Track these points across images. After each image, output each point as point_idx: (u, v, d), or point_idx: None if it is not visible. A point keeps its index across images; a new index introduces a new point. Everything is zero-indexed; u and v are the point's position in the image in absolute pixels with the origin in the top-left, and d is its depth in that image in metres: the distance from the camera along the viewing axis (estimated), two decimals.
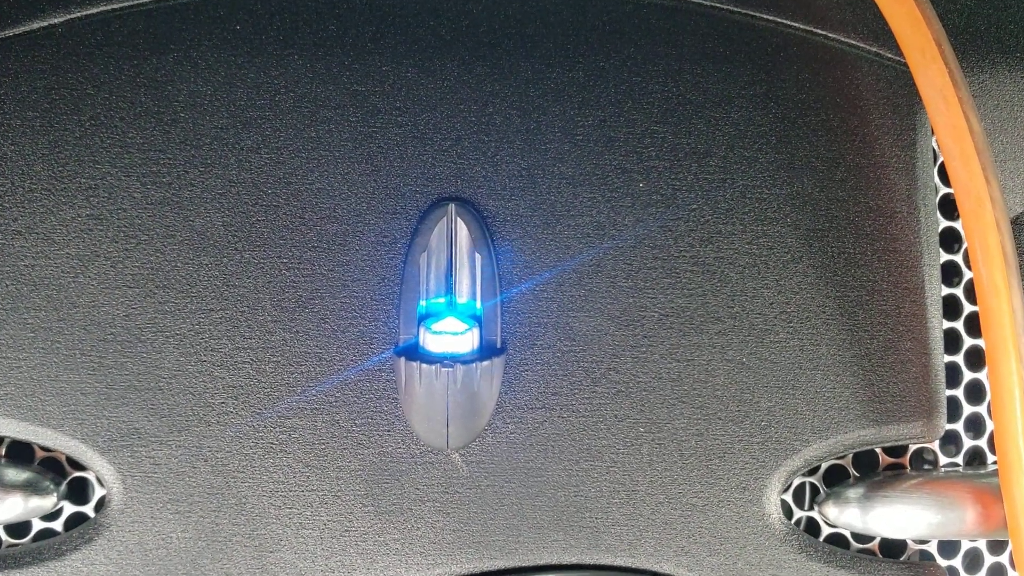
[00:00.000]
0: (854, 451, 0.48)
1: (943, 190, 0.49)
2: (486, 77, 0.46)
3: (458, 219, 0.46)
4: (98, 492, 0.47)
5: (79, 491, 0.47)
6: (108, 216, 0.45)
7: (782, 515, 0.47)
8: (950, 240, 0.50)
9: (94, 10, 0.46)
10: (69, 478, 0.47)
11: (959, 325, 0.50)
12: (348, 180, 0.46)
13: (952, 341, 0.50)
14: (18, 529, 0.47)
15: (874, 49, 0.48)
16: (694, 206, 0.47)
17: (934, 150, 0.49)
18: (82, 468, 0.47)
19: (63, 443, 0.45)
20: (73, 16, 0.46)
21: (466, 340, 0.45)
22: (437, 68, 0.46)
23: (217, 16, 0.46)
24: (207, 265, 0.45)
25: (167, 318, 0.45)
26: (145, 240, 0.45)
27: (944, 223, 0.50)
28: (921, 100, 0.47)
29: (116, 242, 0.45)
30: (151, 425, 0.45)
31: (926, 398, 0.47)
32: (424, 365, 0.44)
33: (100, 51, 0.46)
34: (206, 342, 0.45)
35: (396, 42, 0.47)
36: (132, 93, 0.46)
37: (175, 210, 0.45)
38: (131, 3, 0.46)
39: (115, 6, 0.46)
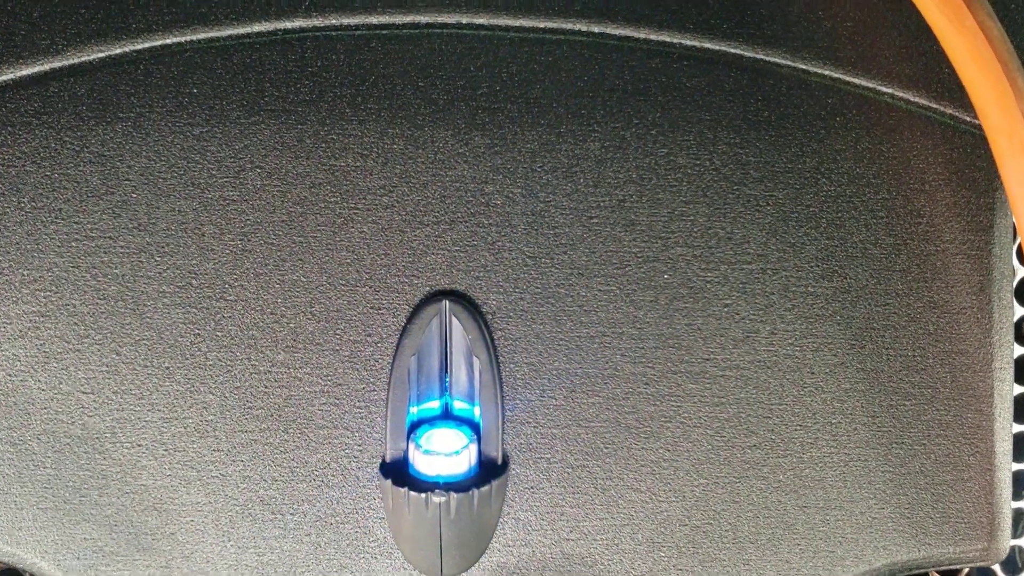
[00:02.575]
0: (902, 575, 0.43)
1: (1020, 272, 0.42)
2: (485, 149, 0.39)
3: (453, 317, 0.40)
4: None
5: None
6: (56, 312, 0.40)
7: None
8: None
9: (28, 71, 0.40)
10: None
11: None
12: (326, 271, 0.40)
13: (1022, 445, 0.43)
14: None
15: (949, 111, 0.40)
16: (727, 301, 0.40)
17: (1014, 228, 0.41)
18: None
19: (21, 560, 0.41)
20: (3, 79, 0.40)
21: (462, 459, 0.40)
22: (428, 139, 0.39)
23: (171, 77, 0.40)
24: (168, 368, 0.40)
25: (126, 427, 0.40)
26: (98, 340, 0.40)
27: (1021, 311, 0.43)
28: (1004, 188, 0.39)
29: (67, 341, 0.40)
30: (115, 543, 0.41)
31: (988, 516, 0.41)
32: (413, 493, 0.39)
33: (38, 120, 0.40)
34: (170, 454, 0.40)
35: (380, 108, 0.40)
36: (76, 170, 0.39)
37: (130, 305, 0.40)
38: (71, 62, 0.40)
39: (52, 66, 0.40)
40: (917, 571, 0.42)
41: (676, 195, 0.40)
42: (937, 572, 0.44)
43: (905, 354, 0.41)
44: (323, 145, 0.39)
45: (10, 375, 0.40)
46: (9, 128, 0.39)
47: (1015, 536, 0.44)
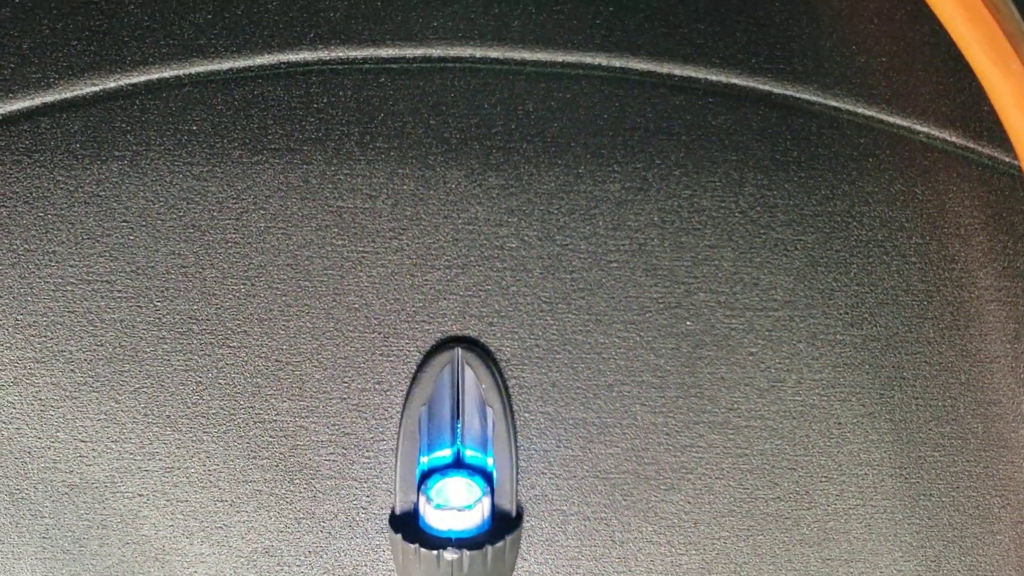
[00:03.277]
0: None
1: None
2: (500, 191, 0.38)
3: (466, 364, 0.38)
4: None
5: None
6: (51, 359, 0.38)
7: None
8: None
9: (18, 106, 0.38)
10: None
11: None
12: (333, 316, 0.38)
13: None
14: None
15: (987, 151, 0.39)
16: (753, 349, 0.38)
17: None
18: None
19: None
20: None
21: (474, 513, 0.38)
22: (440, 179, 0.38)
23: (168, 113, 0.38)
24: (169, 416, 0.38)
25: (126, 477, 0.39)
26: (96, 387, 0.38)
27: None
28: None
29: (63, 389, 0.38)
30: None
31: (1019, 570, 0.40)
32: (424, 550, 0.37)
33: (29, 158, 0.38)
34: (172, 505, 0.39)
35: (389, 147, 0.38)
36: (70, 210, 0.38)
37: (129, 352, 0.38)
38: (63, 96, 0.38)
39: (44, 100, 0.38)
40: None
41: (700, 239, 0.38)
42: None
43: (935, 404, 0.39)
44: (329, 186, 0.38)
45: (4, 423, 0.39)
46: None
47: None
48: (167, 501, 0.39)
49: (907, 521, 0.40)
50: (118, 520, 0.39)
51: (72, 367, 0.38)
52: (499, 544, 0.38)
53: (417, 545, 0.37)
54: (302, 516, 0.39)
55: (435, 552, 0.37)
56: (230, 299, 0.38)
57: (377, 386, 0.38)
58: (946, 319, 0.39)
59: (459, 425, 0.39)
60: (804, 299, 0.38)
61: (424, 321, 0.38)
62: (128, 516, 0.39)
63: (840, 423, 0.39)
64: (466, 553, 0.37)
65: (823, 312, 0.38)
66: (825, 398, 0.39)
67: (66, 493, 0.39)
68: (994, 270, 0.39)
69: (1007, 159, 0.39)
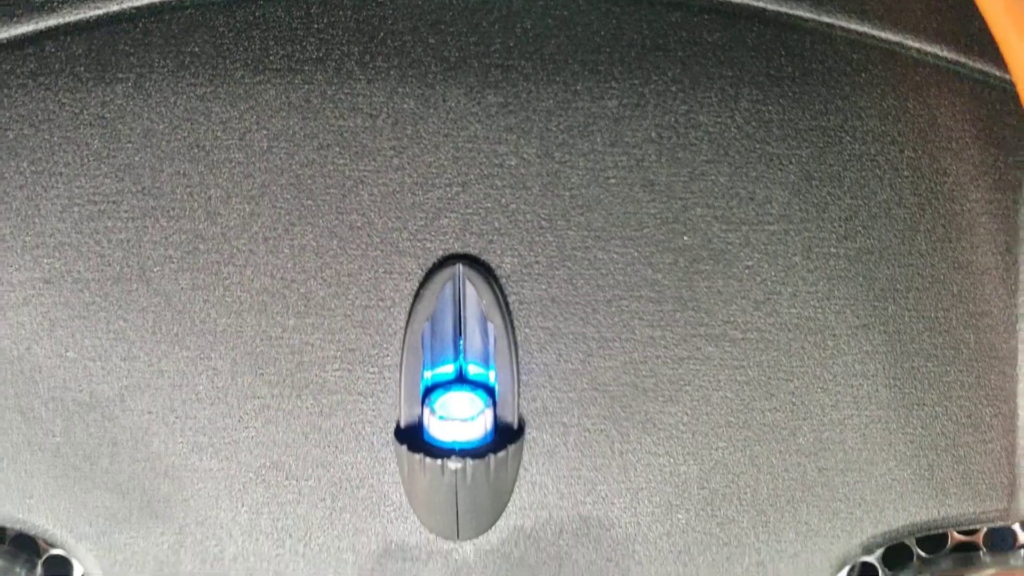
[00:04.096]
0: (921, 535, 0.42)
1: None
2: (498, 108, 0.38)
3: (467, 280, 0.39)
4: (78, 569, 0.42)
5: (59, 565, 0.43)
6: (60, 279, 0.39)
7: None
8: None
9: (23, 30, 0.38)
10: (45, 556, 0.42)
11: None
12: (337, 234, 0.39)
13: None
14: None
15: (978, 66, 0.39)
16: (749, 263, 0.39)
17: None
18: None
19: (34, 527, 0.41)
20: None
21: (477, 425, 0.39)
22: (440, 97, 0.38)
23: (171, 35, 0.38)
24: (177, 334, 0.39)
25: (135, 393, 0.39)
26: (104, 306, 0.39)
27: None
28: None
29: (72, 308, 0.39)
30: (127, 510, 0.40)
31: (1009, 477, 0.41)
32: (428, 460, 0.38)
33: (35, 81, 0.38)
34: (181, 420, 0.40)
35: (389, 65, 0.38)
36: (76, 132, 0.38)
37: (136, 271, 0.39)
38: (67, 19, 0.38)
39: (48, 24, 0.38)
40: (937, 531, 0.42)
41: (696, 154, 0.39)
42: (957, 532, 0.43)
43: (928, 315, 0.40)
44: (331, 105, 0.38)
45: (15, 343, 0.39)
46: (5, 90, 0.38)
47: None
48: (176, 417, 0.40)
49: (901, 430, 0.40)
50: (128, 436, 0.40)
51: (81, 287, 0.39)
52: (501, 454, 0.39)
53: (422, 455, 0.38)
54: (309, 430, 0.40)
55: (439, 461, 0.38)
56: (235, 218, 0.39)
57: (380, 303, 0.39)
58: (938, 231, 0.39)
59: (461, 341, 0.40)
60: (799, 212, 0.39)
61: (425, 238, 0.39)
62: (138, 432, 0.40)
63: (835, 334, 0.40)
64: (469, 462, 0.38)
65: (817, 225, 0.39)
66: (820, 310, 0.39)
67: (76, 411, 0.40)
68: (985, 183, 0.39)
69: (998, 73, 0.39)
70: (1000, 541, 0.44)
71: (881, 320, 0.40)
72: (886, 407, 0.40)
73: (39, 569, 0.42)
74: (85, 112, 0.38)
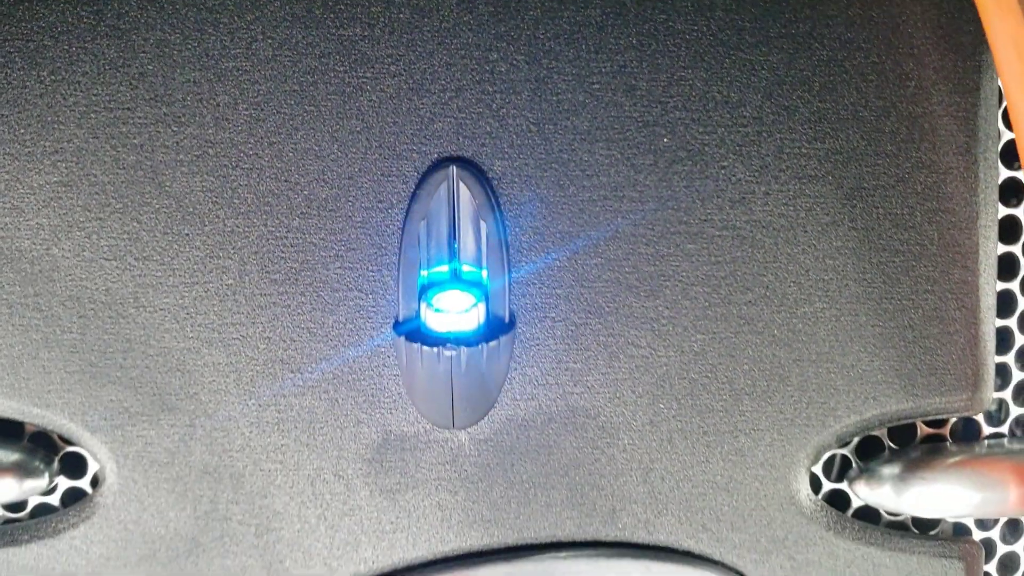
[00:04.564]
0: (890, 425, 0.45)
1: (1006, 135, 0.44)
2: (489, 17, 0.41)
3: (460, 182, 0.41)
4: (93, 465, 0.45)
5: (75, 463, 0.45)
6: (78, 182, 0.41)
7: (810, 491, 0.44)
8: (1010, 192, 0.45)
9: None
10: (61, 453, 0.45)
11: (1015, 286, 0.45)
12: (337, 139, 0.41)
13: (1006, 303, 0.45)
14: (16, 503, 0.46)
15: None
16: (724, 163, 0.42)
17: (999, 91, 0.43)
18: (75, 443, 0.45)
19: (50, 422, 0.43)
20: None
21: (471, 317, 0.41)
22: (433, 7, 0.41)
23: None
24: (187, 234, 0.42)
25: (148, 291, 0.42)
26: (119, 208, 0.41)
27: (1006, 174, 0.44)
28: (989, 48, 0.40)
29: (89, 210, 0.41)
30: (140, 404, 0.43)
31: (973, 368, 0.44)
32: (425, 348, 0.41)
33: None
34: (192, 317, 0.42)
35: None
36: (94, 44, 0.41)
37: (149, 174, 0.41)
38: None
39: None
40: (906, 421, 0.44)
41: (674, 60, 0.41)
42: (924, 423, 0.46)
43: (894, 212, 0.42)
44: (331, 15, 0.41)
45: (35, 243, 0.42)
46: (27, 4, 0.41)
47: (997, 390, 0.46)
48: (186, 314, 0.42)
49: (870, 323, 0.43)
50: (140, 333, 0.42)
51: (97, 190, 0.41)
52: (493, 343, 0.41)
53: (419, 344, 0.41)
54: (312, 326, 0.42)
55: (435, 349, 0.41)
56: (241, 124, 0.41)
57: (379, 204, 0.42)
58: (902, 133, 0.42)
59: (456, 244, 0.43)
60: (770, 115, 0.41)
61: (421, 142, 0.41)
62: (150, 329, 0.42)
63: (806, 231, 0.42)
64: (463, 349, 0.41)
65: (788, 127, 0.42)
66: (791, 207, 0.42)
67: (92, 309, 0.42)
68: (946, 87, 0.42)
69: None
70: (966, 433, 0.46)
71: (850, 217, 0.42)
72: (855, 300, 0.43)
73: (56, 464, 0.44)
74: (102, 24, 0.41)
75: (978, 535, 0.47)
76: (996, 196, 0.43)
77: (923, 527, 0.47)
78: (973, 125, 0.42)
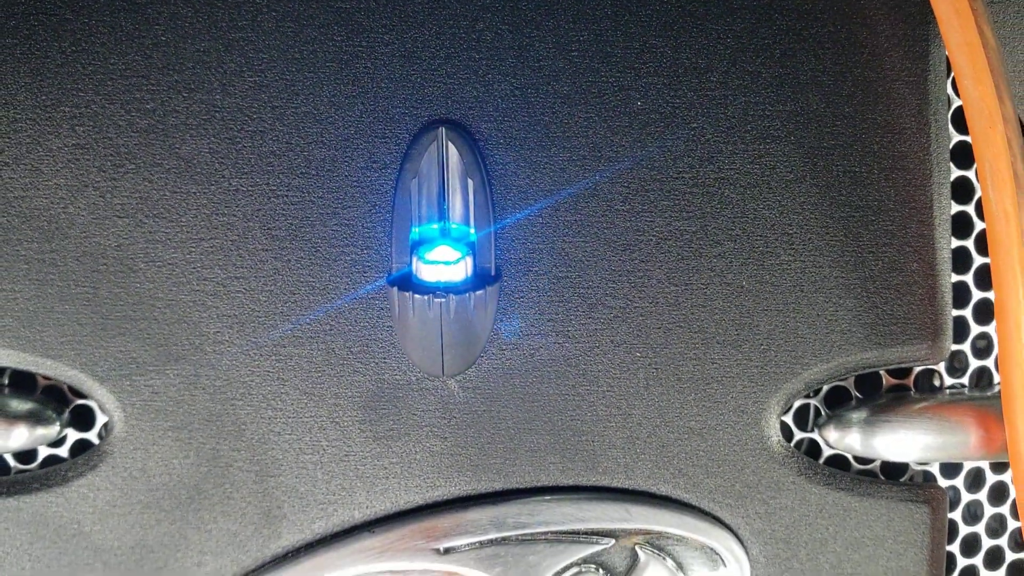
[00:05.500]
0: (856, 374, 0.47)
1: (956, 102, 0.47)
2: None
3: (449, 143, 0.45)
4: (101, 419, 0.47)
5: (84, 416, 0.48)
6: (94, 145, 0.44)
7: (781, 437, 0.47)
8: (962, 156, 0.48)
9: None
10: (71, 406, 0.47)
11: (969, 243, 0.48)
12: (335, 103, 0.45)
13: (961, 260, 0.48)
14: (25, 454, 0.48)
15: None
16: (694, 125, 0.45)
17: (947, 60, 0.46)
18: (84, 396, 0.47)
19: (62, 373, 0.46)
20: None
21: (459, 269, 0.44)
22: None
23: None
24: (195, 193, 0.45)
25: (158, 247, 0.45)
26: (132, 169, 0.45)
27: (957, 137, 0.47)
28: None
29: (103, 171, 0.45)
30: (148, 354, 0.45)
31: (932, 320, 0.46)
32: (417, 296, 0.43)
33: None
34: (198, 271, 0.45)
35: None
36: (112, 17, 0.44)
37: (160, 137, 0.44)
38: None
39: None
40: (870, 369, 0.47)
41: (647, 30, 0.45)
42: (888, 373, 0.48)
43: (853, 171, 0.45)
44: None
45: (52, 202, 0.45)
46: None
47: (956, 342, 0.48)
48: (193, 268, 0.45)
49: (833, 276, 0.46)
50: (150, 286, 0.45)
51: (111, 152, 0.44)
52: (480, 292, 0.44)
53: (411, 293, 0.44)
54: (312, 279, 0.45)
55: (426, 297, 0.43)
56: (246, 89, 0.44)
57: (373, 163, 0.45)
58: (857, 96, 0.45)
59: (445, 201, 0.46)
60: (735, 80, 0.45)
61: (412, 106, 0.45)
62: (159, 283, 0.45)
63: (771, 187, 0.45)
64: (452, 297, 0.44)
65: (752, 91, 0.45)
66: (756, 165, 0.45)
67: (105, 263, 0.45)
68: (896, 53, 0.45)
69: None
70: (929, 384, 0.49)
71: (811, 175, 0.45)
72: (818, 253, 0.46)
73: (66, 415, 0.47)
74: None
75: (944, 484, 0.49)
76: (947, 156, 0.46)
77: (892, 476, 0.49)
78: (923, 89, 0.46)
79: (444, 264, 0.44)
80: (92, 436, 0.47)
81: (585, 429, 0.46)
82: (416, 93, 0.45)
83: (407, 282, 0.45)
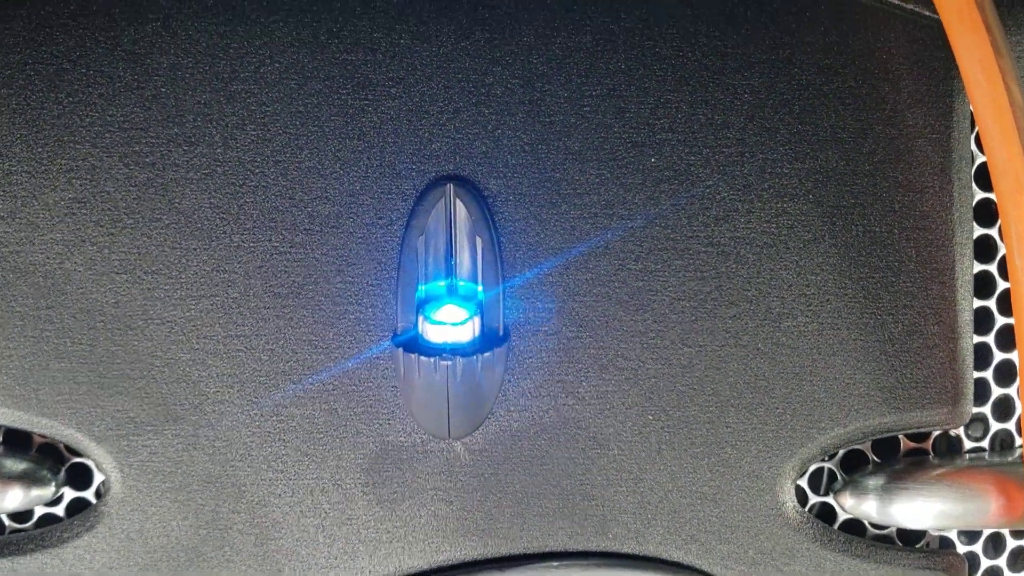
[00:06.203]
0: (874, 438, 0.46)
1: (980, 159, 0.46)
2: (485, 43, 0.43)
3: (457, 200, 0.43)
4: (98, 477, 0.46)
5: (80, 474, 0.46)
6: (91, 199, 0.43)
7: (796, 503, 0.46)
8: (985, 213, 0.47)
9: None
10: (68, 464, 0.46)
11: (991, 303, 0.47)
12: (340, 158, 0.43)
13: (983, 320, 0.47)
14: (21, 512, 0.47)
15: (910, 6, 0.44)
16: (709, 182, 0.44)
17: (971, 115, 0.45)
18: (81, 454, 0.46)
19: (58, 432, 0.44)
20: None
21: (467, 329, 0.43)
22: (432, 34, 0.43)
23: None
24: (195, 249, 0.43)
25: (157, 305, 0.44)
26: (131, 224, 0.43)
27: (980, 195, 0.46)
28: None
29: (101, 226, 0.43)
30: (146, 414, 0.44)
31: (952, 383, 0.45)
32: (423, 358, 0.42)
33: (75, 22, 0.43)
34: (198, 329, 0.44)
35: (387, 6, 0.43)
36: (110, 67, 0.43)
37: (160, 192, 0.43)
38: None
39: None
40: (888, 434, 0.46)
41: (661, 84, 0.43)
42: (906, 437, 0.47)
43: (872, 230, 0.44)
44: (335, 41, 0.43)
45: (49, 257, 0.43)
46: (47, 29, 0.43)
47: (977, 405, 0.47)
48: (193, 327, 0.44)
49: (851, 338, 0.44)
50: (148, 345, 0.44)
51: (109, 206, 0.43)
52: (487, 355, 0.43)
53: (417, 355, 0.42)
54: (314, 339, 0.44)
55: (432, 359, 0.42)
56: (248, 143, 0.43)
57: (380, 221, 0.43)
58: (879, 154, 0.44)
59: (452, 259, 0.44)
60: (753, 137, 0.43)
61: (420, 161, 0.43)
62: (157, 341, 0.44)
63: (788, 248, 0.44)
64: (459, 359, 0.42)
65: (770, 148, 0.44)
66: (774, 225, 0.44)
67: (102, 321, 0.44)
68: (919, 110, 0.44)
69: (927, 13, 0.44)
70: (948, 448, 0.47)
71: (830, 234, 0.44)
72: (836, 315, 0.44)
73: (62, 475, 0.46)
74: (118, 49, 0.43)
75: (962, 549, 0.48)
76: (971, 215, 0.45)
77: (908, 540, 0.48)
78: (947, 147, 0.44)
79: (451, 325, 0.43)
80: (89, 495, 0.46)
81: (595, 493, 0.45)
82: (423, 148, 0.43)
83: (413, 342, 0.43)
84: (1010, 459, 0.46)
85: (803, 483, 0.47)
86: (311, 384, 0.44)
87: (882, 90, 0.44)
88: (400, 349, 0.43)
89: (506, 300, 0.44)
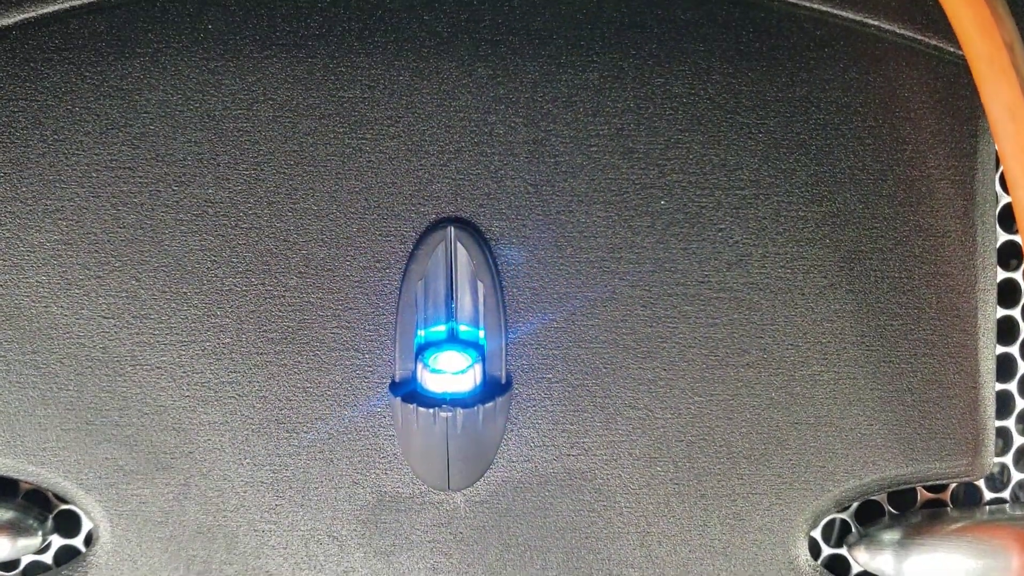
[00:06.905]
0: (890, 490, 0.44)
1: (1004, 199, 0.44)
2: (488, 80, 0.41)
3: (458, 242, 0.41)
4: (87, 524, 0.44)
5: (69, 521, 0.45)
6: (78, 241, 0.42)
7: (809, 557, 0.44)
8: (1008, 255, 0.45)
9: (50, 9, 0.41)
10: (56, 511, 0.44)
11: (1015, 350, 0.45)
12: (336, 199, 0.41)
13: (1006, 367, 0.45)
14: (8, 561, 0.45)
15: (933, 42, 0.42)
16: (721, 226, 0.42)
17: (996, 155, 0.43)
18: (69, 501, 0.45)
19: (45, 480, 0.43)
20: (27, 16, 0.41)
21: (467, 378, 0.41)
22: (433, 70, 0.41)
23: (186, 14, 0.41)
24: (186, 293, 0.42)
25: (145, 350, 0.42)
26: (119, 266, 0.42)
27: (1003, 237, 0.44)
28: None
29: (88, 269, 0.42)
30: (135, 462, 0.43)
31: (973, 433, 0.43)
32: (421, 409, 0.40)
33: (59, 56, 0.41)
34: (188, 376, 0.42)
35: (386, 40, 0.41)
36: (96, 103, 0.41)
37: (149, 233, 0.41)
38: (89, 0, 0.41)
39: (73, 4, 0.41)
40: (905, 486, 0.44)
41: (672, 123, 0.41)
42: (924, 487, 0.45)
43: (892, 276, 0.42)
44: (332, 77, 0.41)
45: (34, 301, 0.42)
46: (32, 64, 0.41)
47: (998, 454, 0.45)
48: (183, 372, 0.42)
49: (868, 387, 0.43)
50: (137, 391, 0.42)
51: (96, 248, 0.41)
52: (489, 404, 0.41)
53: (415, 405, 0.41)
54: (309, 386, 0.42)
55: (431, 410, 0.41)
56: (241, 183, 0.41)
57: (377, 264, 0.42)
58: (899, 196, 0.42)
59: (453, 304, 0.43)
60: (767, 178, 0.42)
61: (419, 203, 0.42)
62: (146, 387, 0.42)
63: (803, 294, 0.42)
64: (459, 411, 0.41)
65: (785, 190, 0.42)
66: (789, 270, 0.42)
67: (89, 366, 0.42)
68: (942, 151, 0.42)
69: (951, 49, 0.42)
70: (967, 499, 0.46)
71: (847, 280, 0.42)
72: (853, 364, 0.42)
73: (50, 523, 0.44)
74: (105, 84, 0.41)
75: None
76: (994, 259, 0.43)
77: None
78: (970, 189, 0.42)
79: (451, 373, 0.41)
80: (78, 543, 0.45)
81: (601, 547, 0.43)
82: (423, 189, 0.41)
83: (411, 392, 0.42)
84: None
85: (816, 534, 0.45)
86: (306, 433, 0.43)
87: (903, 130, 0.42)
88: (398, 399, 0.41)
89: (509, 347, 0.42)
